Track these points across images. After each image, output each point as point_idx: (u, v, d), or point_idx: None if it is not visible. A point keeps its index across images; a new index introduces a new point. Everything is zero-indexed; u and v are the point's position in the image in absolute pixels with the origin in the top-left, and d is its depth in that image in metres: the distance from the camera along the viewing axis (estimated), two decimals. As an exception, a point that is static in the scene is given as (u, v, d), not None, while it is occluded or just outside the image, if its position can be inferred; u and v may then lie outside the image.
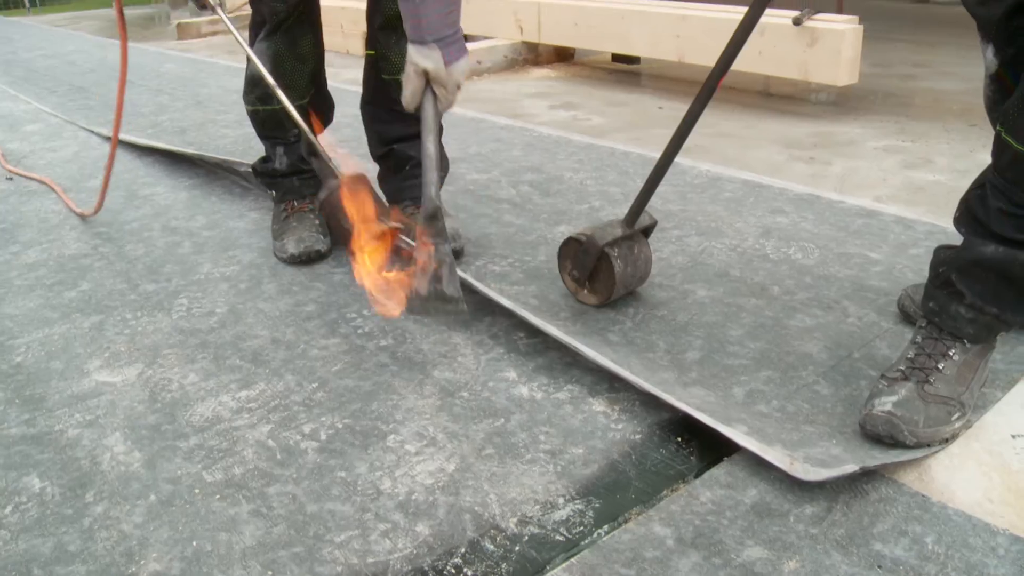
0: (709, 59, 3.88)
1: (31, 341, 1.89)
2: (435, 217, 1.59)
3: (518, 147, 3.19)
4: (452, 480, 1.37)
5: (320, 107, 2.29)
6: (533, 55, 4.99)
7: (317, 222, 2.30)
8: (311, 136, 1.74)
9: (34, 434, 1.55)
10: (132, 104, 4.26)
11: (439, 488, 1.35)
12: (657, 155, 1.83)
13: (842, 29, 3.40)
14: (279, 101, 2.14)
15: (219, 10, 1.77)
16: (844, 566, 1.18)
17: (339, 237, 1.60)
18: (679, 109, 3.87)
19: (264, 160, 2.36)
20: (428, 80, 1.60)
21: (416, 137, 1.73)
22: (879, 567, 1.17)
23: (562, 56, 5.11)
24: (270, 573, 1.20)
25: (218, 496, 1.36)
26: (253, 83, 2.20)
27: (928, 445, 1.40)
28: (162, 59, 5.76)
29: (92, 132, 3.73)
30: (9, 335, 1.92)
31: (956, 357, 1.47)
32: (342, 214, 1.59)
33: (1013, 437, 1.44)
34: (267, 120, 2.24)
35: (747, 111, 3.84)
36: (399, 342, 1.81)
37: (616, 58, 4.94)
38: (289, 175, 2.32)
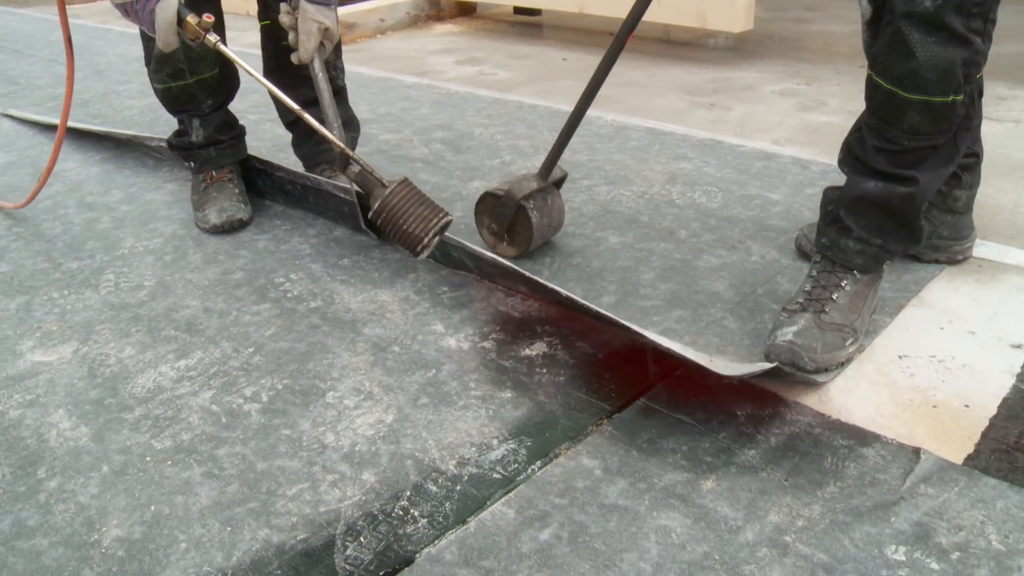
0: (609, 10, 3.98)
1: (-43, 325, 1.89)
2: (367, 173, 1.76)
3: (427, 105, 3.24)
4: (392, 430, 1.46)
5: (229, 77, 2.32)
6: (436, 10, 5.00)
7: (237, 191, 2.34)
8: (348, 151, 1.78)
9: (-26, 417, 1.58)
10: (26, 76, 4.15)
11: (380, 438, 1.44)
12: (564, 107, 1.94)
13: (735, -23, 3.53)
14: (192, 76, 2.17)
15: (222, 46, 1.81)
16: (755, 483, 1.31)
17: (401, 239, 1.73)
18: (582, 60, 3.97)
19: (179, 134, 2.37)
20: (322, 35, 1.88)
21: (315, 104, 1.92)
22: (785, 482, 1.31)
23: (464, 10, 5.13)
24: (229, 529, 1.27)
25: (169, 462, 1.42)
26: (163, 60, 2.19)
27: (826, 370, 1.54)
28: (50, 27, 5.56)
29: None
30: (-67, 321, 1.92)
31: (848, 287, 1.61)
32: (402, 217, 1.71)
33: (900, 358, 1.59)
34: (180, 95, 2.25)
35: (649, 59, 3.94)
36: (328, 303, 1.87)
37: (518, 11, 4.99)
38: (206, 146, 2.34)
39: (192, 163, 2.38)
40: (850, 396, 1.50)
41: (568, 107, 3.05)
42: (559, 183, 2.01)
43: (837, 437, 1.40)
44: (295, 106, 1.84)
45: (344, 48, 4.46)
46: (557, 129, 2.79)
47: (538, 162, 2.55)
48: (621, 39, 1.76)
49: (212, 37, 1.78)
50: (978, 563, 1.15)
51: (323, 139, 2.39)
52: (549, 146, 2.67)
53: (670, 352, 1.45)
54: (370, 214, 1.74)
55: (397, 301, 1.87)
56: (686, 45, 4.20)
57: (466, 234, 2.11)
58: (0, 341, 1.82)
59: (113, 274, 2.07)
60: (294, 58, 1.91)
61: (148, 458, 1.44)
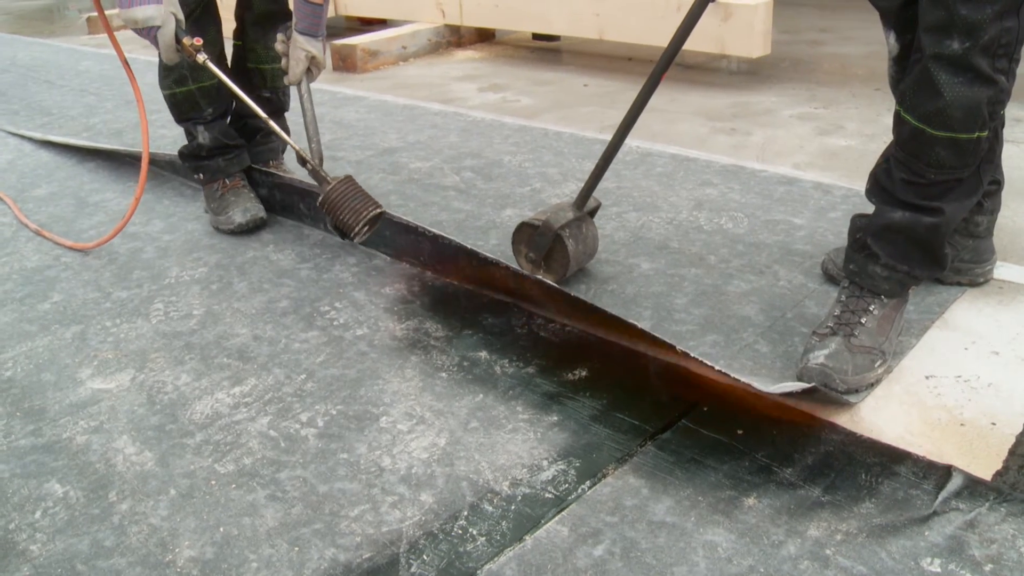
0: (629, 36, 4.07)
1: (17, 355, 1.97)
2: (315, 171, 2.08)
3: (454, 133, 3.33)
4: (445, 453, 1.53)
5: (224, 92, 2.51)
6: (456, 37, 5.10)
7: (252, 195, 2.60)
8: (301, 152, 2.09)
9: (44, 443, 1.65)
10: (59, 107, 4.25)
11: (435, 461, 1.51)
12: (589, 134, 2.03)
13: (754, 4, 3.60)
14: (193, 83, 2.50)
15: (210, 64, 2.10)
16: (794, 500, 1.38)
17: (340, 230, 2.03)
18: (603, 86, 4.05)
19: (189, 143, 2.63)
20: (309, 63, 2.16)
21: (269, 116, 2.18)
22: (823, 498, 1.38)
23: (484, 36, 5.23)
24: (297, 549, 1.35)
25: (234, 485, 1.50)
26: (169, 68, 2.48)
27: (857, 390, 1.61)
28: (78, 56, 5.67)
29: (23, 137, 3.70)
30: (-7, 351, 2.00)
31: (876, 311, 1.68)
32: (341, 210, 1.99)
33: (927, 378, 1.66)
34: (184, 101, 2.53)
35: (668, 84, 4.02)
36: (374, 331, 1.95)
37: (536, 36, 5.08)
38: (214, 154, 2.59)
39: (201, 175, 2.64)
40: (880, 416, 1.57)
41: (593, 134, 3.15)
42: (593, 212, 2.09)
43: (870, 455, 1.47)
44: (262, 112, 2.13)
45: (368, 75, 4.58)
46: (584, 156, 2.90)
47: (567, 189, 2.64)
48: (657, 75, 1.84)
49: (201, 56, 2.08)
50: (1011, 574, 1.22)
51: (260, 142, 2.77)
52: (577, 173, 2.77)
53: (713, 370, 1.53)
54: (317, 202, 2.05)
55: (441, 328, 1.94)
56: (701, 69, 4.29)
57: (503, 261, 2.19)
58: (61, 369, 1.90)
59: (162, 303, 2.15)
60: (285, 80, 2.19)
61: (213, 482, 1.51)
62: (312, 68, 2.20)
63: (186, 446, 1.61)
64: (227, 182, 2.61)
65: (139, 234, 2.58)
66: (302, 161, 2.10)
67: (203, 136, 2.56)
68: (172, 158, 2.96)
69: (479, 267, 2.03)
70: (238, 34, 2.69)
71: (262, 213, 2.55)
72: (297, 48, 2.14)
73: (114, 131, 3.76)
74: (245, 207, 2.53)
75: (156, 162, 3.07)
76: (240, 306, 2.11)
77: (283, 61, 2.17)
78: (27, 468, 1.59)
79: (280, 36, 2.18)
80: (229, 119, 2.79)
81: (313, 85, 2.26)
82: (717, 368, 1.53)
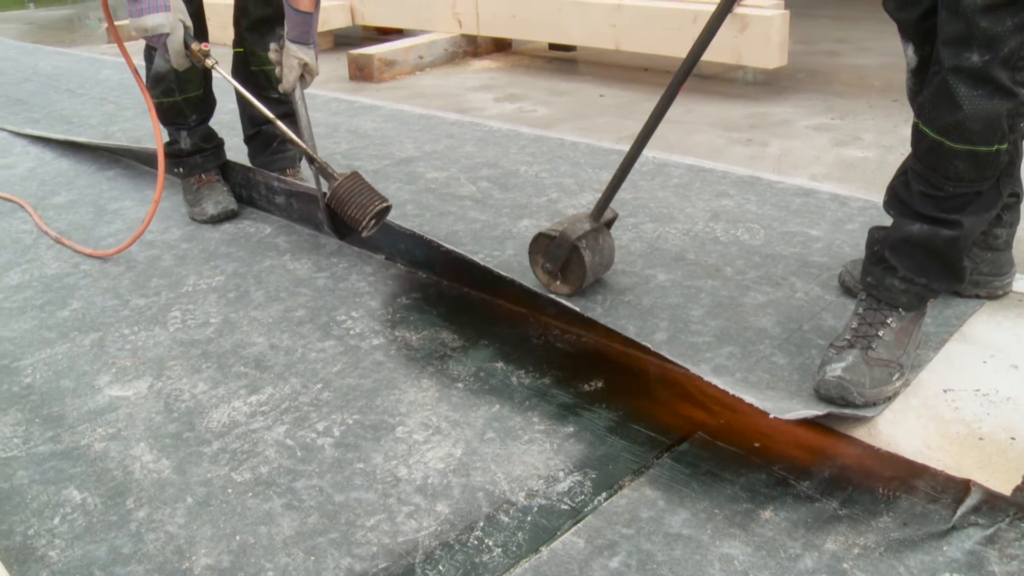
0: (645, 46, 4.08)
1: (36, 362, 1.99)
2: (323, 168, 2.14)
3: (471, 143, 3.33)
4: (461, 463, 1.53)
5: (209, 97, 2.77)
6: (472, 47, 5.12)
7: (225, 189, 2.78)
8: (308, 151, 2.16)
9: (62, 450, 1.66)
10: (78, 115, 4.28)
11: (451, 471, 1.52)
12: (605, 144, 2.03)
13: (770, 15, 3.61)
14: (180, 94, 2.65)
15: (218, 68, 2.22)
16: (811, 513, 1.37)
17: (346, 225, 2.13)
18: (619, 96, 4.06)
19: (170, 143, 2.78)
20: (302, 69, 2.25)
21: (280, 118, 2.24)
22: (840, 512, 1.37)
23: (500, 46, 5.25)
24: (313, 558, 1.35)
25: (250, 494, 1.50)
26: (157, 80, 2.63)
27: (874, 404, 1.60)
28: (98, 65, 5.72)
29: (48, 140, 3.72)
30: (12, 357, 2.01)
31: (893, 324, 1.67)
32: (347, 203, 2.06)
33: (945, 391, 1.65)
34: (170, 110, 2.68)
35: (684, 94, 4.00)
36: (390, 341, 1.96)
37: (553, 46, 5.10)
38: (193, 153, 2.76)
39: (180, 169, 2.80)
40: (898, 429, 1.56)
41: (609, 144, 3.16)
42: (610, 223, 2.09)
43: (887, 469, 1.46)
44: (270, 113, 2.22)
45: (385, 85, 4.60)
46: (600, 167, 2.91)
47: (584, 200, 2.65)
48: (675, 87, 1.84)
49: (210, 60, 2.20)
50: (1030, 591, 1.21)
51: (276, 150, 2.88)
52: (594, 183, 2.77)
53: (727, 394, 1.52)
54: (326, 199, 2.13)
55: (458, 339, 1.95)
56: (718, 79, 4.29)
57: (519, 271, 2.19)
58: (79, 376, 1.91)
59: (179, 311, 2.17)
60: (280, 87, 2.29)
61: (229, 490, 1.52)
62: (305, 75, 2.29)
63: (203, 454, 1.62)
64: (203, 177, 2.79)
65: (157, 242, 2.60)
66: (309, 159, 2.17)
67: (185, 141, 2.73)
68: (129, 148, 3.28)
69: (493, 282, 2.04)
70: (237, 42, 2.79)
71: (233, 205, 2.73)
72: (290, 56, 2.23)
73: (133, 139, 3.78)
74: (217, 200, 2.71)
75: (139, 156, 3.25)
76: (257, 315, 2.12)
77: (276, 69, 2.26)
78: (46, 474, 1.60)
79: (273, 45, 2.27)
80: (246, 133, 2.92)
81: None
82: (732, 392, 1.52)
